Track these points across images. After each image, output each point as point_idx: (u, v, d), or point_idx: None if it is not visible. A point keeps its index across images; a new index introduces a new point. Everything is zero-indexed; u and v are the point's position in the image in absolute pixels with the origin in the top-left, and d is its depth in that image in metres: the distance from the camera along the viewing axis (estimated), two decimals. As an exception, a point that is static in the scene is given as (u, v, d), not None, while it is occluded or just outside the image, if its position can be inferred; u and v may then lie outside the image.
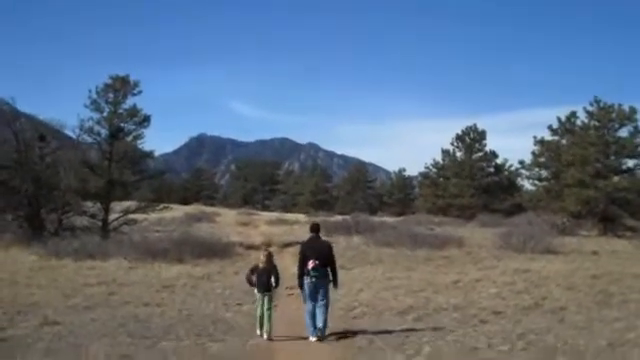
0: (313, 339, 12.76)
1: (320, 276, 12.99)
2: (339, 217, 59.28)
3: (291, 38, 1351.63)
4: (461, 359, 10.77)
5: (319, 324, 12.90)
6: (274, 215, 74.61)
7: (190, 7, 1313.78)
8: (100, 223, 35.85)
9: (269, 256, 13.53)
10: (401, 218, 69.53)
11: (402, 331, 13.13)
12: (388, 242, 33.48)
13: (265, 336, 12.79)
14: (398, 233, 36.58)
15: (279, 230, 43.69)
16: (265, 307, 12.96)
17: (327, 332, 13.02)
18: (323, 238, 14.08)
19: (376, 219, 56.21)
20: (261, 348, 12.03)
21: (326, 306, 13.07)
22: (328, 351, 11.90)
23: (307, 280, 13.01)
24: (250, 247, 31.46)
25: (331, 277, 13.30)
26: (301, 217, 66.97)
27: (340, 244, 34.58)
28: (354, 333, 13.08)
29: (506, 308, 15.88)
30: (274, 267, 13.36)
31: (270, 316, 12.95)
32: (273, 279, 13.13)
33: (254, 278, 13.35)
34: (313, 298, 13.02)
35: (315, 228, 13.77)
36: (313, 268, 12.88)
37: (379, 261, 27.49)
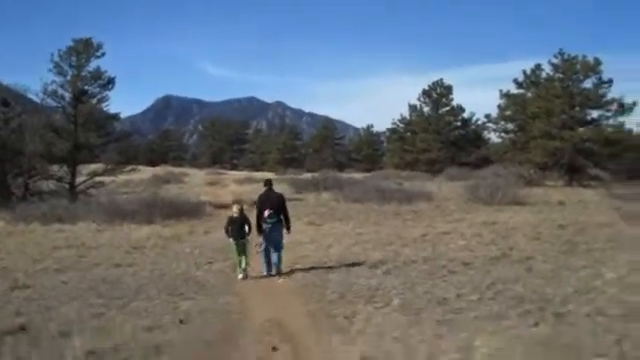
0: (266, 273, 15.39)
1: (275, 222, 15.30)
2: (308, 174, 59.46)
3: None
4: (431, 309, 10.89)
5: (274, 260, 15.36)
6: (243, 174, 74.66)
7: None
8: (67, 186, 35.66)
9: (241, 208, 15.75)
10: (369, 174, 69.78)
11: (372, 284, 13.25)
12: (357, 198, 33.65)
13: (241, 276, 15.00)
14: (366, 189, 36.75)
15: (248, 189, 43.64)
16: (242, 254, 15.19)
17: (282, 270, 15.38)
18: (277, 191, 16.27)
19: (345, 175, 56.34)
20: (232, 305, 12.09)
21: (280, 247, 15.43)
22: (300, 304, 11.99)
23: (264, 226, 15.24)
24: (220, 206, 31.45)
25: (284, 223, 15.57)
26: (270, 175, 66.99)
27: (309, 201, 34.80)
28: (324, 287, 13.18)
29: (474, 259, 16.05)
30: (246, 218, 15.52)
31: (247, 260, 15.27)
32: (246, 227, 15.33)
33: (231, 229, 15.39)
34: (269, 240, 15.29)
35: (268, 182, 16.10)
36: (269, 216, 15.22)
37: (348, 217, 27.63)
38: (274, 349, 9.17)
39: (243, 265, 15.17)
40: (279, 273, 15.25)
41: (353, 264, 15.88)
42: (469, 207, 30.14)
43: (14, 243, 21.07)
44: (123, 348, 9.06)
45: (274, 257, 15.37)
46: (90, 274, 15.35)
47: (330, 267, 15.64)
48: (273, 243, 15.35)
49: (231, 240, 15.41)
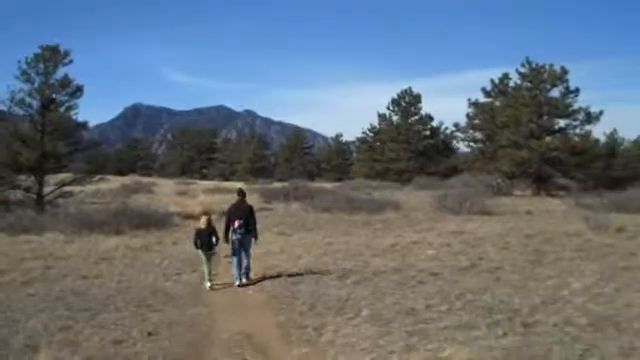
0: (237, 283, 15.43)
1: (244, 233, 15.65)
2: (278, 184, 59.40)
3: (224, 2, 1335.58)
4: (400, 320, 10.92)
5: (244, 270, 15.73)
6: (212, 184, 74.30)
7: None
8: (35, 196, 35.30)
9: (209, 220, 15.95)
10: (339, 183, 69.90)
11: (342, 295, 13.25)
12: (326, 207, 33.65)
13: (208, 286, 15.23)
14: (336, 198, 36.78)
15: (218, 199, 43.48)
16: (208, 265, 15.55)
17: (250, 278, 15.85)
18: (247, 202, 16.54)
19: (314, 185, 56.35)
20: (201, 316, 12.05)
21: (248, 256, 15.87)
22: (269, 316, 11.98)
23: (234, 236, 15.63)
24: (189, 217, 31.33)
25: (253, 234, 15.91)
26: (240, 185, 66.93)
27: (279, 211, 34.75)
28: (294, 298, 13.18)
29: (443, 269, 16.13)
30: (213, 229, 15.81)
31: (210, 272, 15.64)
32: (214, 239, 15.64)
33: (199, 241, 15.65)
34: (238, 251, 15.65)
35: (241, 192, 16.53)
36: (239, 226, 15.59)
37: (318, 227, 27.65)
38: (243, 361, 9.16)
39: (210, 275, 15.56)
40: (247, 279, 15.73)
41: (323, 274, 15.89)
42: (438, 217, 30.26)
43: (-21, 254, 20.84)
44: (91, 361, 9.00)
45: (244, 266, 15.76)
46: (58, 286, 15.20)
47: (300, 278, 15.63)
48: (243, 253, 15.75)
49: (200, 252, 15.71)
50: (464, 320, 10.77)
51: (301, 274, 16.07)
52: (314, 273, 16.12)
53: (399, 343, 9.54)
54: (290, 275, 16.04)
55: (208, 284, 15.30)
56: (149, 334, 10.55)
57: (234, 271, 15.76)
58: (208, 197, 49.51)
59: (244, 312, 12.57)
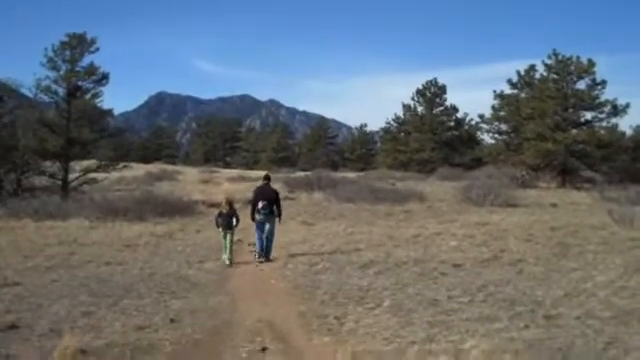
0: (260, 259, 17.30)
1: (267, 213, 17.43)
2: (301, 173, 59.42)
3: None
4: (422, 311, 10.90)
5: (264, 250, 17.41)
6: (236, 172, 74.45)
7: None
8: (60, 183, 35.58)
9: (230, 203, 17.76)
10: (362, 173, 69.77)
11: (363, 285, 13.25)
12: (349, 197, 33.63)
13: (227, 262, 16.79)
14: (359, 188, 36.76)
15: (241, 187, 43.55)
16: (227, 241, 16.99)
17: (271, 257, 17.45)
18: (273, 186, 18.60)
19: (338, 175, 56.29)
20: (223, 304, 12.09)
21: (272, 235, 17.59)
22: (291, 304, 11.99)
23: (258, 216, 17.44)
24: (212, 205, 31.40)
25: (277, 214, 17.73)
26: (263, 174, 66.89)
27: (302, 200, 34.81)
28: (316, 288, 13.19)
29: (466, 261, 16.06)
30: (235, 211, 17.57)
31: (232, 248, 17.10)
32: (234, 220, 17.31)
33: (220, 220, 17.41)
34: (262, 229, 17.44)
35: (266, 177, 18.59)
36: (263, 207, 17.36)
37: (341, 216, 27.66)
38: (264, 349, 9.17)
39: (227, 256, 16.98)
40: (267, 258, 17.38)
41: (345, 264, 15.88)
42: (461, 208, 30.18)
43: (5, 239, 20.99)
44: (113, 346, 9.05)
45: (265, 245, 17.50)
46: (81, 272, 15.31)
47: (322, 267, 15.63)
48: (266, 232, 17.47)
49: (220, 229, 17.40)
50: (486, 312, 10.73)
51: (323, 263, 16.07)
52: (336, 263, 16.12)
53: (420, 334, 9.52)
54: (312, 264, 16.04)
55: (225, 256, 17.05)
56: (171, 320, 10.60)
57: (258, 249, 17.63)
58: (232, 185, 49.66)
59: (266, 300, 12.58)
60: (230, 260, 16.88)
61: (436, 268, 15.11)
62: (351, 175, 61.31)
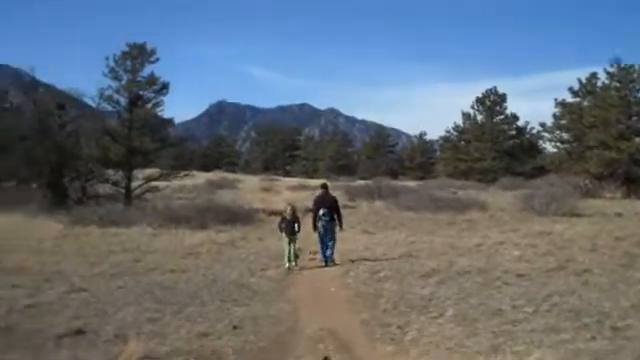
0: (322, 260, 18.02)
1: (328, 220, 18.09)
2: (361, 182, 59.36)
3: (312, 1, 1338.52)
4: (486, 321, 10.77)
5: (328, 254, 18.03)
6: (295, 181, 74.72)
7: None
8: (123, 191, 36.10)
9: (293, 210, 18.40)
10: (422, 182, 69.45)
11: (426, 294, 13.16)
12: (410, 206, 33.53)
13: (291, 267, 17.39)
14: (420, 197, 36.64)
15: (301, 195, 43.72)
16: (291, 247, 17.59)
17: (335, 261, 18.01)
18: (331, 194, 19.23)
19: (398, 183, 56.16)
20: (285, 312, 12.11)
21: (333, 241, 18.19)
22: (353, 313, 11.97)
23: (319, 223, 18.06)
24: (272, 213, 31.53)
25: (337, 221, 18.34)
26: (321, 183, 66.95)
27: (362, 209, 34.79)
28: (378, 296, 13.14)
29: (530, 270, 15.81)
30: (297, 218, 18.24)
31: (295, 254, 17.73)
32: (297, 226, 17.87)
33: (283, 226, 17.93)
34: (324, 236, 18.11)
35: (324, 186, 19.30)
36: (323, 214, 18.06)
37: (401, 225, 27.59)
38: (327, 358, 9.16)
39: (291, 258, 17.61)
40: (331, 262, 17.93)
41: (407, 273, 15.78)
42: (523, 217, 29.81)
43: (71, 246, 21.41)
44: (178, 353, 9.13)
45: (328, 252, 18.06)
46: (145, 278, 15.51)
47: (383, 276, 15.56)
48: (327, 238, 18.12)
49: (283, 234, 17.90)
50: (551, 323, 10.55)
51: (385, 272, 16.00)
52: (397, 271, 16.03)
53: (485, 344, 9.40)
54: (374, 273, 15.98)
55: (287, 264, 17.47)
56: (234, 328, 10.65)
57: (321, 255, 18.31)
58: (292, 194, 49.85)
59: (328, 309, 12.59)
60: (293, 265, 17.53)
61: (499, 277, 14.92)
62: (411, 184, 61.07)
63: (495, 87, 79.69)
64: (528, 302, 12.12)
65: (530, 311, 11.42)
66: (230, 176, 77.12)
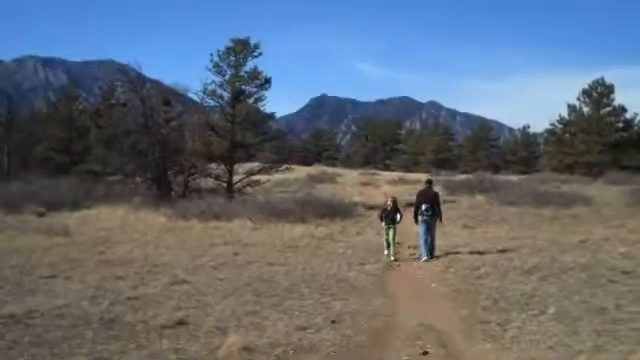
0: (424, 258, 17.99)
1: (430, 215, 18.41)
2: (462, 176, 58.69)
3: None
4: (588, 319, 10.51)
5: (428, 248, 18.23)
6: (396, 175, 74.36)
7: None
8: (225, 184, 36.64)
9: (395, 200, 19.31)
10: (525, 176, 68.18)
11: (527, 291, 12.92)
12: (512, 201, 32.95)
13: (392, 257, 18.08)
14: (522, 191, 35.99)
15: (401, 190, 43.44)
16: (390, 236, 18.46)
17: (435, 253, 18.39)
18: (433, 189, 19.72)
19: (500, 178, 55.29)
20: (383, 306, 12.09)
21: (433, 236, 18.44)
22: (452, 309, 11.86)
23: (421, 217, 18.44)
24: (372, 207, 31.51)
25: (437, 215, 18.66)
26: (423, 177, 66.43)
27: (462, 203, 34.36)
28: (477, 293, 12.98)
29: (636, 268, 15.34)
30: (398, 208, 19.06)
31: (394, 242, 18.63)
32: (398, 216, 18.82)
33: (384, 215, 18.87)
34: (425, 229, 18.32)
35: (428, 181, 20.12)
36: (426, 209, 18.38)
37: (503, 220, 27.16)
38: (425, 353, 9.10)
39: (391, 248, 18.50)
40: (432, 256, 18.13)
41: (507, 269, 15.53)
42: (630, 213, 28.86)
43: (174, 239, 21.89)
44: (276, 345, 9.21)
45: (428, 244, 18.29)
46: (245, 271, 15.71)
47: (483, 271, 15.36)
48: (429, 232, 18.36)
49: (383, 224, 18.84)
50: (658, 322, 10.23)
51: (485, 268, 15.79)
52: (498, 267, 15.80)
53: (587, 343, 9.17)
54: (474, 269, 15.80)
55: (386, 252, 18.49)
56: (332, 322, 10.69)
57: (422, 249, 18.38)
58: (391, 188, 49.63)
59: (426, 304, 12.51)
60: (393, 255, 18.26)
61: (604, 275, 14.52)
62: (513, 178, 59.99)
63: (602, 77, 77.38)
64: (634, 300, 11.78)
65: (635, 310, 11.09)
66: (330, 170, 77.31)
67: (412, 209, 19.01)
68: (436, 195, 19.20)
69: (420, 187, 21.24)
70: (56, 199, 31.77)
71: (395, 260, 17.98)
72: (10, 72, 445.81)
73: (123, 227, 24.95)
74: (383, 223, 18.85)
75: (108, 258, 17.84)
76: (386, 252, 18.45)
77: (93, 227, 25.01)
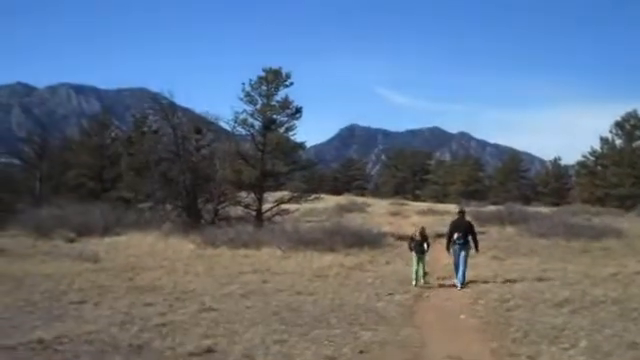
0: (457, 283, 18.48)
1: (462, 243, 18.79)
2: (492, 207, 58.39)
3: (441, 22, 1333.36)
4: (620, 354, 10.38)
5: (459, 277, 18.55)
6: (425, 205, 74.11)
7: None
8: (254, 213, 36.70)
9: (423, 230, 19.77)
10: (556, 208, 67.71)
11: (557, 324, 12.78)
12: (542, 233, 32.72)
13: (421, 282, 18.67)
14: (553, 223, 35.69)
15: (430, 220, 43.28)
16: (420, 266, 18.83)
17: (466, 281, 18.59)
18: (467, 219, 20.26)
19: (530, 209, 54.91)
20: (412, 337, 12.01)
21: (465, 264, 18.69)
22: (481, 341, 11.76)
23: (454, 246, 18.92)
24: (401, 238, 31.41)
25: (472, 245, 19.08)
26: (452, 207, 66.06)
27: (493, 235, 34.17)
28: (508, 325, 12.86)
29: (669, 302, 15.17)
30: (426, 238, 19.56)
31: (424, 271, 19.01)
32: (426, 245, 19.26)
33: (413, 245, 19.32)
34: (457, 258, 18.76)
35: (461, 211, 20.34)
36: (458, 238, 18.84)
37: (533, 252, 26.96)
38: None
39: (420, 274, 18.87)
40: (463, 284, 18.38)
41: (538, 302, 15.42)
42: (663, 246, 28.56)
43: (203, 266, 21.94)
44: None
45: (460, 273, 18.61)
46: (274, 300, 15.69)
47: (513, 304, 15.25)
48: (461, 260, 18.65)
49: (413, 253, 19.20)
50: (691, 357, 10.07)
51: (515, 300, 15.66)
52: (528, 300, 15.68)
53: (619, 377, 9.06)
54: (503, 301, 15.68)
55: (414, 282, 18.63)
56: (361, 352, 10.66)
57: (455, 271, 18.93)
58: (421, 218, 49.44)
59: (456, 336, 12.41)
60: (421, 283, 18.73)
61: (636, 309, 14.35)
62: (544, 210, 59.57)
63: (635, 110, 76.84)
64: (666, 336, 11.61)
65: (668, 345, 10.94)
66: (359, 199, 77.22)
67: (441, 240, 19.13)
68: (470, 225, 19.69)
69: (450, 217, 22.14)
70: (87, 225, 32.12)
71: (424, 288, 18.33)
72: (43, 99, 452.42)
73: (152, 254, 25.09)
74: (413, 253, 19.21)
75: (137, 284, 17.93)
76: (414, 282, 18.62)
77: (123, 253, 25.20)
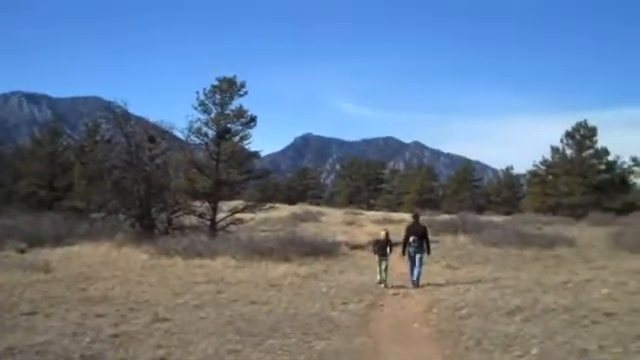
0: (412, 280, 19.92)
1: (417, 247, 20.07)
2: (445, 216, 58.83)
3: (394, 35, 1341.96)
4: (571, 361, 10.51)
5: (414, 278, 19.91)
6: (380, 214, 74.45)
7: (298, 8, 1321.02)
8: (208, 222, 36.55)
9: (387, 233, 20.76)
10: (509, 217, 68.42)
11: (510, 331, 12.91)
12: (495, 241, 33.07)
13: (383, 285, 19.80)
14: (505, 232, 36.10)
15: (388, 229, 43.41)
16: (382, 267, 20.09)
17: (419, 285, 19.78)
18: (421, 223, 21.28)
19: (483, 218, 55.46)
20: (366, 346, 12.04)
21: (421, 266, 20.05)
22: (435, 349, 11.82)
23: (409, 249, 20.13)
24: (355, 247, 31.52)
25: (425, 248, 20.36)
26: (407, 216, 66.34)
27: (446, 244, 34.41)
28: (460, 333, 12.95)
29: (619, 309, 15.36)
30: (389, 241, 20.52)
31: (386, 273, 20.10)
32: (388, 248, 20.33)
33: (376, 248, 20.52)
34: (412, 261, 20.12)
35: (416, 216, 21.70)
36: (413, 241, 20.07)
37: (486, 260, 27.23)
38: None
39: (382, 276, 20.10)
40: (417, 285, 19.78)
41: (490, 310, 15.53)
42: (613, 254, 28.97)
43: (156, 276, 21.79)
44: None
45: (415, 275, 19.96)
46: (228, 310, 15.62)
47: (466, 312, 15.35)
48: (416, 262, 19.98)
49: (376, 256, 20.40)
50: (641, 364, 10.23)
51: (468, 308, 15.78)
52: (481, 308, 15.79)
53: (570, 384, 9.17)
54: (456, 309, 15.78)
55: (378, 278, 20.18)
56: (315, 362, 10.65)
57: (410, 275, 20.21)
58: (376, 227, 49.59)
59: (409, 344, 12.46)
60: (384, 283, 20.02)
61: (587, 316, 14.53)
62: (496, 219, 60.17)
63: (585, 120, 77.98)
64: (616, 342, 11.78)
65: (618, 351, 11.12)
66: (314, 209, 77.31)
67: (397, 250, 19.37)
68: (425, 229, 20.91)
69: (406, 223, 22.70)
70: (38, 235, 31.68)
71: (385, 284, 19.97)
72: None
73: (105, 264, 24.86)
74: (376, 256, 20.42)
75: (89, 295, 17.74)
76: (378, 278, 20.27)
77: (75, 264, 24.94)
